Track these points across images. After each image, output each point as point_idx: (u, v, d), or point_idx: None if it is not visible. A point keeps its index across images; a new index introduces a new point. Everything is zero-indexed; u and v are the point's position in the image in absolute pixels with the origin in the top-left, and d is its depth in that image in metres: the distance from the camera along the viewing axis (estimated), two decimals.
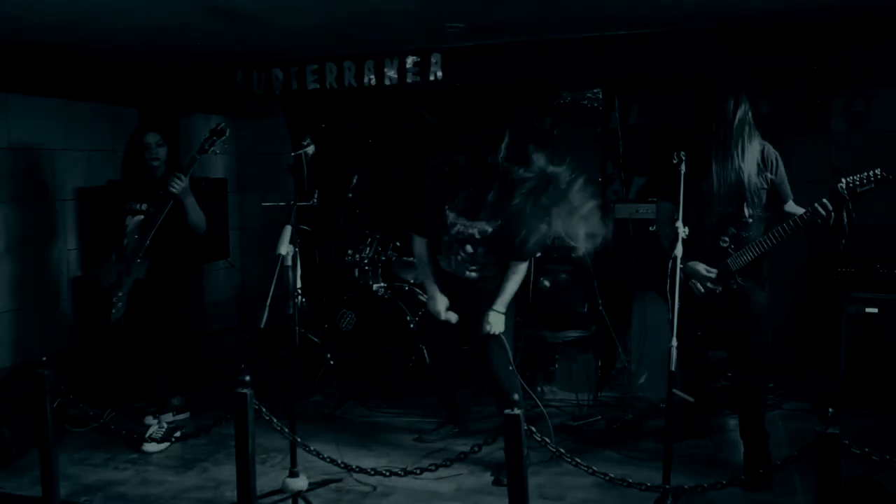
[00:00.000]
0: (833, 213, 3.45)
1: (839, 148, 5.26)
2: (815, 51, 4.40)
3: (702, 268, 3.73)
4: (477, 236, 3.91)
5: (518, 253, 3.90)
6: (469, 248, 3.94)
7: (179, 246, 4.43)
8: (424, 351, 5.15)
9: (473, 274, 3.99)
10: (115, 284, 4.40)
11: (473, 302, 3.98)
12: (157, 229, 4.25)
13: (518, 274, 3.95)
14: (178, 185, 4.16)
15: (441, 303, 4.07)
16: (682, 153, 3.53)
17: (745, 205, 3.67)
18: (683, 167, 3.50)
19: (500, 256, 3.94)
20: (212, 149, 4.25)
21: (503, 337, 3.93)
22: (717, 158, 3.69)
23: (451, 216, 3.97)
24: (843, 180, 3.42)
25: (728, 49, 4.55)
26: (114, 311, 4.38)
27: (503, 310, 3.93)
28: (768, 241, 3.61)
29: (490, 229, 3.89)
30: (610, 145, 5.69)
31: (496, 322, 3.90)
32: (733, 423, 4.32)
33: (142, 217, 4.34)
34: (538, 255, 4.16)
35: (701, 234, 3.68)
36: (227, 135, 4.26)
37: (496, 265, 3.97)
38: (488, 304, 3.91)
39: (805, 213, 3.54)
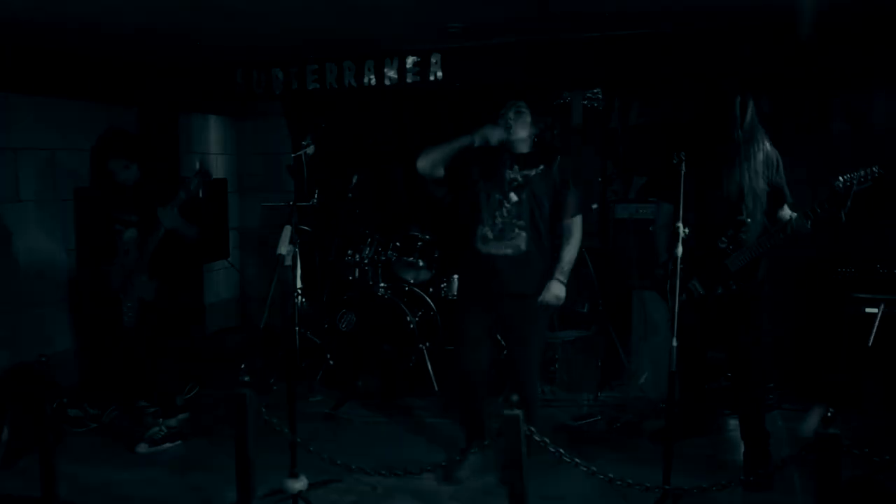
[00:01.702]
0: (827, 215, 3.46)
1: (839, 148, 5.25)
2: (816, 51, 4.39)
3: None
4: (520, 180, 3.71)
5: (569, 207, 3.75)
6: (514, 197, 3.69)
7: (178, 259, 4.43)
8: (424, 351, 5.16)
9: (521, 240, 3.67)
10: (122, 289, 4.41)
11: (516, 291, 3.70)
12: (155, 251, 4.27)
13: (573, 237, 3.76)
14: (171, 222, 4.17)
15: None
16: (682, 153, 3.52)
17: (744, 207, 3.67)
18: (684, 167, 3.49)
19: (550, 217, 3.75)
20: (199, 190, 4.23)
21: (541, 339, 3.84)
22: (726, 161, 3.68)
23: (496, 168, 3.75)
24: (841, 178, 3.42)
25: (728, 49, 4.55)
26: (125, 319, 4.39)
27: (565, 279, 3.72)
28: (767, 242, 3.62)
29: (533, 172, 3.73)
30: (610, 145, 5.69)
31: (559, 291, 3.68)
32: (733, 423, 4.32)
33: (135, 230, 4.36)
34: (595, 206, 3.99)
35: (702, 234, 3.68)
36: (210, 178, 4.27)
37: (543, 233, 3.73)
38: (533, 283, 3.70)
39: (799, 216, 3.53)
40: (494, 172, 3.74)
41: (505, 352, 4.54)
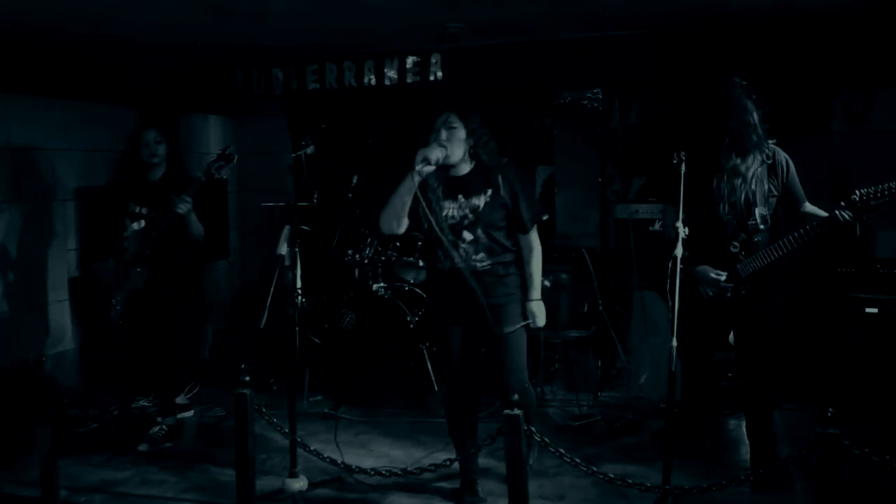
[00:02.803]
0: (850, 222, 3.40)
1: (839, 148, 5.25)
2: (815, 51, 4.40)
3: (711, 272, 3.69)
4: (471, 217, 3.42)
5: (524, 222, 3.46)
6: (468, 236, 3.43)
7: (179, 256, 4.40)
8: (424, 351, 5.16)
9: (486, 264, 3.44)
10: (114, 286, 4.40)
11: (486, 303, 3.41)
12: (158, 241, 4.24)
13: (534, 250, 3.51)
14: (184, 207, 4.12)
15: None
16: (683, 153, 3.50)
17: (755, 210, 3.63)
18: (683, 167, 3.47)
19: (506, 232, 3.49)
20: (219, 173, 4.21)
21: (522, 344, 3.52)
22: (728, 163, 3.65)
23: (441, 203, 3.47)
24: (857, 192, 3.34)
25: (728, 49, 4.55)
26: (112, 313, 4.38)
27: (539, 295, 3.53)
28: (780, 248, 3.54)
29: (482, 202, 3.42)
30: (610, 145, 5.70)
31: (539, 311, 3.51)
32: (733, 423, 4.32)
33: (142, 222, 4.34)
34: (545, 217, 3.67)
35: (711, 238, 3.65)
36: (234, 161, 4.21)
37: (502, 252, 3.48)
38: (504, 292, 3.46)
39: (822, 222, 3.48)
40: (441, 211, 3.44)
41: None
